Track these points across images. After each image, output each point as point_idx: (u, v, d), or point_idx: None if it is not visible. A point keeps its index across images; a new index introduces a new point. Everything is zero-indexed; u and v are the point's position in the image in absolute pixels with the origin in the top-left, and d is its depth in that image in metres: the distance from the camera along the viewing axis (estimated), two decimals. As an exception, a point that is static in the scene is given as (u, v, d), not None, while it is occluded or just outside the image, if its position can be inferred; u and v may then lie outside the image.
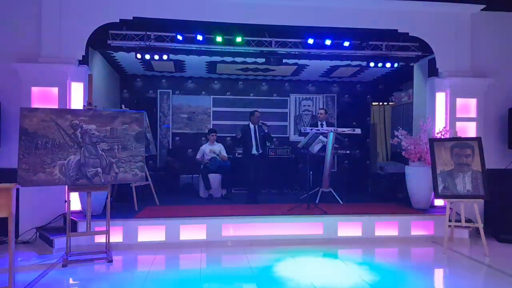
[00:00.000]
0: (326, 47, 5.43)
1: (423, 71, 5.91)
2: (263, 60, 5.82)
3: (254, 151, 5.61)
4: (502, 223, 4.82)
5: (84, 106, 4.66)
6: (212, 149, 6.55)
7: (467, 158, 4.48)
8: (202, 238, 4.56)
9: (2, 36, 4.80)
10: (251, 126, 5.71)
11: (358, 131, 5.68)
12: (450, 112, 5.35)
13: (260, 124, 5.74)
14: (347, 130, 5.71)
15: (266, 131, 5.74)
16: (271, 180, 7.03)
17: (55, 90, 4.71)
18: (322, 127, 6.15)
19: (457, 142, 4.58)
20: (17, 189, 3.66)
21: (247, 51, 5.50)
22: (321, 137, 5.24)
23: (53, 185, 3.81)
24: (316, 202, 5.42)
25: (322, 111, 6.34)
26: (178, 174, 7.06)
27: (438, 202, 5.35)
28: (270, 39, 5.39)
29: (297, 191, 6.86)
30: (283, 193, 6.94)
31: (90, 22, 4.82)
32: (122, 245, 4.39)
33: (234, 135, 6.71)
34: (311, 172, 5.65)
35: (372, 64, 5.77)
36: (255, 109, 5.96)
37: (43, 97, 4.70)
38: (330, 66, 6.84)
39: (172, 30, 5.17)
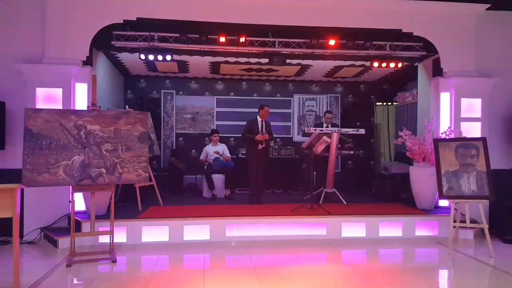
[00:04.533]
0: (329, 47, 5.41)
1: (428, 71, 5.88)
2: (266, 60, 5.82)
3: (259, 145, 5.50)
4: (507, 224, 4.77)
5: (88, 106, 4.68)
6: (216, 151, 6.56)
7: (472, 159, 4.45)
8: (205, 238, 4.57)
9: (7, 37, 4.83)
10: (259, 119, 5.64)
11: (362, 131, 5.66)
12: (454, 112, 5.31)
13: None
14: (351, 131, 5.69)
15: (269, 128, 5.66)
16: (275, 181, 7.02)
17: (59, 90, 4.74)
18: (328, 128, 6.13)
19: (462, 143, 4.55)
20: (22, 190, 3.68)
21: (250, 51, 5.49)
22: (325, 137, 5.22)
23: (58, 185, 3.82)
24: (320, 202, 5.40)
25: (330, 115, 6.30)
26: (181, 175, 7.07)
27: (443, 202, 5.33)
28: (274, 39, 5.39)
29: (300, 192, 6.86)
30: (287, 194, 6.93)
31: (94, 23, 4.84)
32: (126, 245, 4.40)
33: (237, 135, 6.70)
34: (314, 173, 5.63)
35: (376, 64, 5.74)
36: (265, 104, 5.79)
37: (47, 98, 4.72)
38: (334, 66, 6.82)
39: (176, 31, 5.18)
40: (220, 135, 6.80)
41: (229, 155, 6.69)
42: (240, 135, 5.78)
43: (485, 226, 4.24)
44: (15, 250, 2.99)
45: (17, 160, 4.41)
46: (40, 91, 4.72)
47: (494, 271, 3.78)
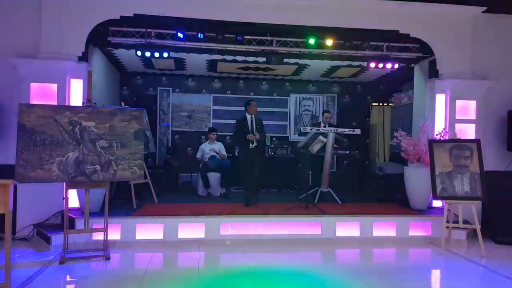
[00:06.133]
0: (326, 47, 5.42)
1: (424, 73, 5.91)
2: (264, 59, 5.81)
3: (250, 145, 5.27)
4: (499, 225, 4.82)
5: (83, 103, 4.65)
6: (212, 149, 6.54)
7: (466, 160, 4.48)
8: (200, 236, 4.56)
9: (1, 31, 4.77)
10: (248, 116, 5.40)
11: (357, 131, 5.68)
12: (449, 113, 5.34)
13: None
14: (347, 131, 5.71)
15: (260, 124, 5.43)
16: (270, 179, 7.03)
17: (54, 86, 4.69)
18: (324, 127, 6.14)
19: (456, 144, 4.58)
20: (15, 186, 3.65)
21: (248, 50, 5.49)
22: (320, 137, 5.24)
23: (51, 182, 3.79)
24: (315, 201, 5.41)
25: (329, 114, 6.27)
26: (177, 172, 7.06)
27: (436, 203, 5.36)
28: (271, 38, 5.38)
29: (296, 191, 6.87)
30: (282, 193, 6.94)
31: (90, 19, 4.80)
32: (120, 242, 4.38)
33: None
34: (310, 172, 5.64)
35: (372, 65, 5.76)
36: (251, 99, 5.62)
37: (42, 93, 4.68)
38: (331, 66, 6.83)
39: (173, 28, 5.16)
40: (217, 133, 6.79)
41: (225, 153, 6.68)
42: (232, 135, 5.64)
43: (478, 227, 4.28)
44: (7, 247, 2.97)
45: (11, 156, 4.37)
46: (34, 87, 4.67)
47: (485, 271, 3.82)
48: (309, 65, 6.77)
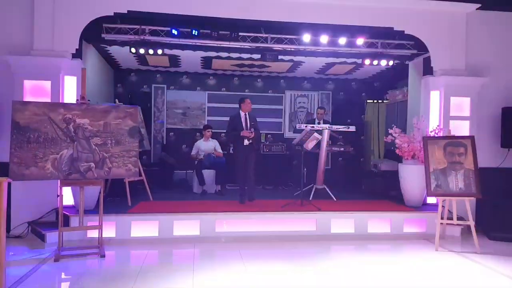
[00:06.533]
0: (322, 44, 5.43)
1: (418, 70, 5.93)
2: (258, 56, 5.80)
3: (245, 141, 5.22)
4: (493, 221, 4.87)
5: (77, 100, 4.62)
6: (207, 149, 6.52)
7: (460, 157, 4.51)
8: (195, 233, 4.56)
9: (-6, 28, 4.72)
10: (242, 114, 5.37)
11: (352, 128, 5.70)
12: (444, 110, 5.37)
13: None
14: (341, 128, 5.73)
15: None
16: (266, 177, 7.04)
17: (48, 83, 4.65)
18: (319, 124, 6.17)
19: (451, 141, 4.61)
20: (9, 183, 3.61)
21: (242, 46, 5.47)
22: (315, 134, 5.25)
23: (45, 179, 3.77)
24: (310, 198, 5.44)
25: (322, 110, 6.33)
26: (172, 170, 7.04)
27: (431, 199, 5.39)
28: (266, 35, 5.37)
29: (291, 188, 6.88)
30: (277, 190, 6.96)
31: (84, 15, 4.75)
32: (115, 240, 4.37)
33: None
34: (305, 169, 5.66)
35: (367, 62, 5.78)
36: (245, 97, 5.57)
37: (35, 91, 4.63)
38: (325, 63, 6.84)
39: (167, 24, 5.13)
40: (212, 130, 6.78)
41: (220, 151, 6.67)
42: (225, 132, 5.61)
43: (472, 223, 4.32)
44: (1, 244, 2.94)
45: (4, 153, 4.32)
46: (28, 84, 4.62)
47: (479, 267, 3.86)
48: (304, 62, 6.77)
